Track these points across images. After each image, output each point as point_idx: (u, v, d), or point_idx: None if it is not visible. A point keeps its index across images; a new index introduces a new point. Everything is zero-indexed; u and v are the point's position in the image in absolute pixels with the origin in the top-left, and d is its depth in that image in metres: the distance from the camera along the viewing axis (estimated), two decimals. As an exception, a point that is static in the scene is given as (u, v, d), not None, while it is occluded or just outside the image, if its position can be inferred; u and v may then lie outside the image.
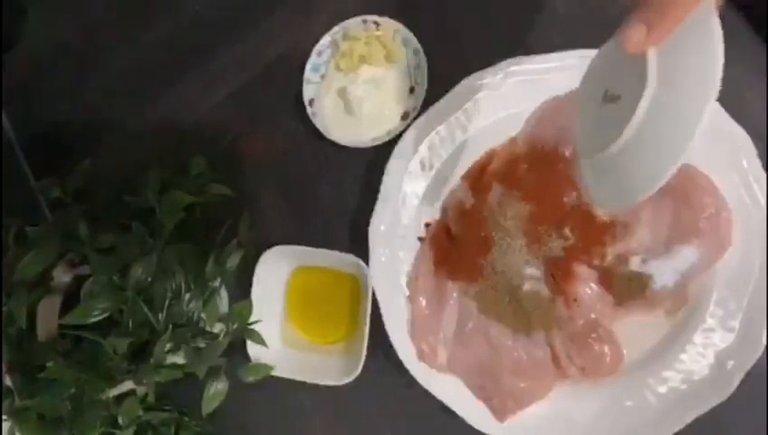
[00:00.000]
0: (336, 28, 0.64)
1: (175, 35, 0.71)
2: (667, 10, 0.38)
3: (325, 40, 0.64)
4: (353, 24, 0.64)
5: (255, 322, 0.60)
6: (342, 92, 0.65)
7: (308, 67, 0.64)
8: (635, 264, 0.54)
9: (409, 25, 0.63)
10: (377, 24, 0.64)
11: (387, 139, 0.62)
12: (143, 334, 0.54)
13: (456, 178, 0.60)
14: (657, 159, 0.38)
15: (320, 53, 0.65)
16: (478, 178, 0.59)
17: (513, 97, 0.58)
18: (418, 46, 0.62)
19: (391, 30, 0.64)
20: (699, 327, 0.53)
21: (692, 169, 0.53)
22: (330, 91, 0.65)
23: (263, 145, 0.67)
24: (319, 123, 0.64)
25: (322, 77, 0.65)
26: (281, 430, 0.64)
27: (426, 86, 0.61)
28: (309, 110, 0.64)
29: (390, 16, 0.63)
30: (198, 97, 0.69)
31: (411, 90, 0.63)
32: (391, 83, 0.64)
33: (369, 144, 0.62)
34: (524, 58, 0.58)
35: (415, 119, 0.61)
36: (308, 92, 0.65)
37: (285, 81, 0.65)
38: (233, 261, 0.59)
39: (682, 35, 0.38)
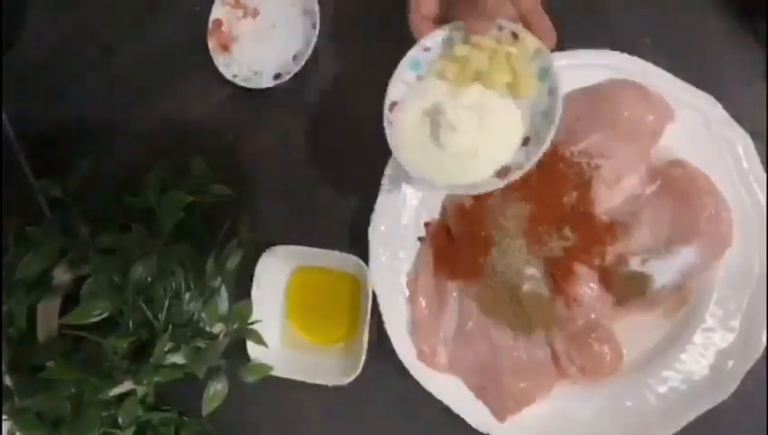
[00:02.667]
0: (459, 22, 0.49)
1: (175, 35, 0.71)
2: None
3: (439, 34, 0.50)
4: None
5: (255, 322, 0.60)
6: (435, 112, 0.49)
7: (406, 60, 0.50)
8: (635, 264, 0.54)
9: (407, 24, 0.63)
10: (515, 36, 0.48)
11: (465, 192, 0.49)
12: (143, 334, 0.54)
13: (456, 178, 0.60)
14: None
15: (427, 49, 0.50)
16: (478, 178, 0.59)
17: (513, 97, 0.58)
18: (558, 85, 0.46)
19: (530, 51, 0.47)
20: (699, 327, 0.53)
21: (692, 169, 0.53)
22: (420, 103, 0.50)
23: (263, 145, 0.67)
24: (391, 136, 0.50)
25: (419, 78, 0.51)
26: (281, 430, 0.64)
27: (547, 145, 0.45)
28: (387, 115, 0.50)
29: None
30: (198, 97, 0.69)
31: (525, 141, 0.47)
32: (502, 122, 0.48)
33: (441, 189, 0.50)
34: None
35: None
36: (394, 92, 0.51)
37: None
38: (233, 261, 0.59)
39: None
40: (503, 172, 0.47)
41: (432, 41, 0.50)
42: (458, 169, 0.48)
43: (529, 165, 0.46)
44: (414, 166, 0.49)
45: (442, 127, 0.48)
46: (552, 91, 0.46)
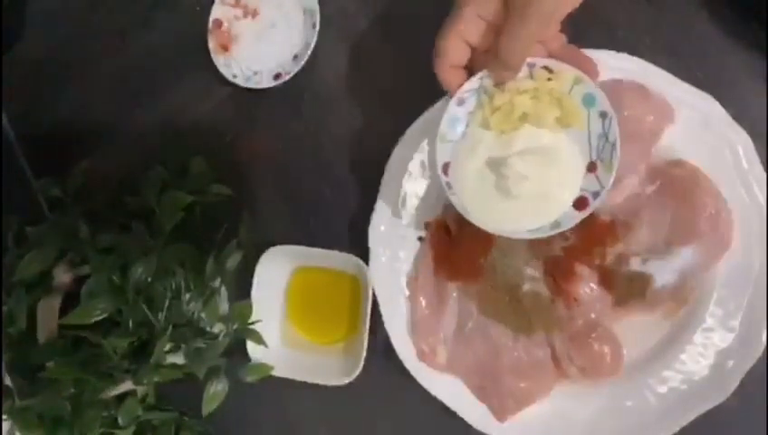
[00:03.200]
0: (483, 72, 0.48)
1: (175, 35, 0.71)
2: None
3: (471, 84, 0.48)
4: None
5: (255, 322, 0.60)
6: (496, 164, 0.48)
7: (445, 120, 0.49)
8: (635, 264, 0.54)
9: (409, 24, 0.63)
10: (549, 70, 0.47)
11: (551, 232, 0.48)
12: (143, 334, 0.54)
13: (456, 179, 0.60)
14: None
15: (461, 102, 0.49)
16: (478, 178, 0.59)
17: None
18: (607, 108, 0.46)
19: (569, 80, 0.47)
20: (699, 327, 0.53)
21: (692, 169, 0.53)
22: (474, 158, 0.49)
23: (263, 145, 0.67)
24: (455, 198, 0.49)
25: (463, 135, 0.50)
26: (281, 430, 0.64)
27: (615, 166, 0.46)
28: (443, 178, 0.49)
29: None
30: (198, 97, 0.69)
31: (591, 167, 0.47)
32: (563, 156, 0.48)
33: (526, 235, 0.48)
34: (524, 58, 0.57)
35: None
36: (443, 154, 0.49)
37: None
38: (233, 261, 0.59)
39: None
40: (580, 203, 0.47)
41: (465, 93, 0.49)
42: (535, 214, 0.48)
43: (606, 190, 0.46)
44: (488, 223, 0.49)
45: (510, 178, 0.47)
46: (603, 114, 0.46)
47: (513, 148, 0.48)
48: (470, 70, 0.49)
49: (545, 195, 0.48)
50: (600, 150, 0.47)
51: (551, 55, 0.48)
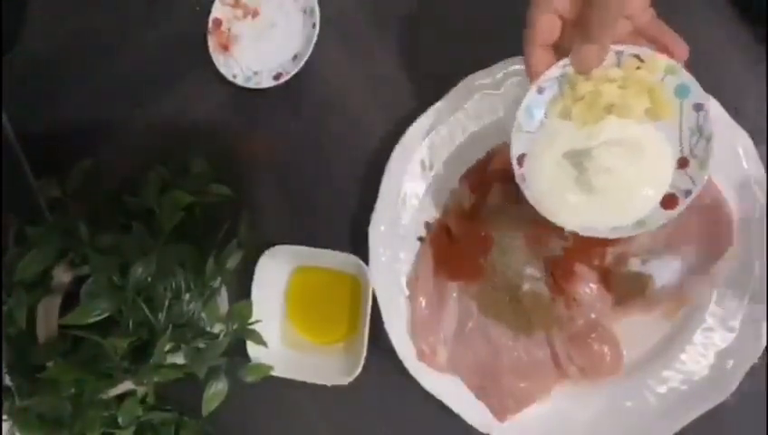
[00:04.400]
0: (566, 60, 0.45)
1: (175, 35, 0.71)
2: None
3: (552, 72, 0.45)
4: None
5: (255, 322, 0.60)
6: (577, 156, 0.45)
7: (522, 109, 0.46)
8: (635, 264, 0.54)
9: (409, 24, 0.63)
10: (639, 58, 0.44)
11: (634, 232, 0.45)
12: (143, 334, 0.54)
13: (455, 178, 0.60)
14: None
15: (541, 90, 0.46)
16: (478, 178, 0.59)
17: (513, 97, 0.58)
18: (703, 99, 0.43)
19: (661, 69, 0.44)
20: (699, 327, 0.53)
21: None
22: (552, 150, 0.46)
23: (263, 145, 0.67)
24: (529, 192, 0.46)
25: (541, 124, 0.47)
26: (281, 430, 0.64)
27: (708, 163, 0.43)
28: (517, 169, 0.46)
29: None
30: (198, 97, 0.69)
31: (682, 163, 0.44)
32: (651, 150, 0.44)
33: (607, 234, 0.45)
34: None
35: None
36: (518, 145, 0.46)
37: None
38: (233, 261, 0.59)
39: None
40: (668, 201, 0.44)
41: (546, 81, 0.45)
42: (618, 211, 0.45)
43: (698, 188, 0.43)
44: (565, 218, 0.45)
45: (591, 171, 0.44)
46: (698, 106, 0.43)
47: (595, 140, 0.44)
48: (556, 51, 0.46)
49: (630, 191, 0.44)
50: (692, 145, 0.44)
51: (638, 31, 0.45)
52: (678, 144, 0.44)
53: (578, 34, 0.44)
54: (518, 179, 0.46)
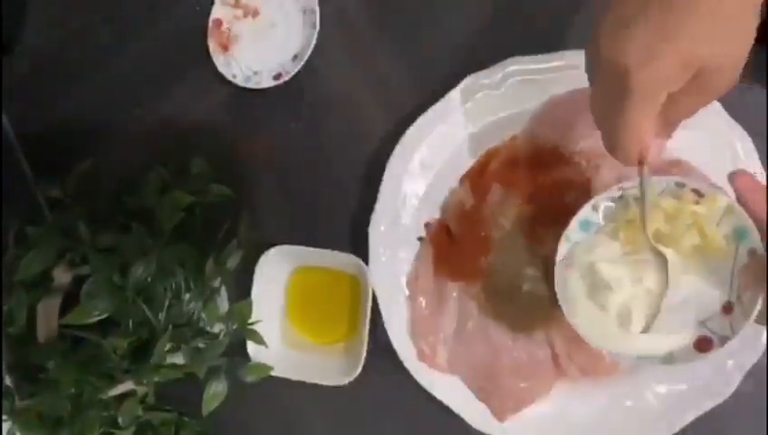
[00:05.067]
0: (630, 183, 0.44)
1: (175, 35, 0.71)
2: None
3: (612, 193, 0.45)
4: (660, 181, 0.43)
5: (255, 322, 0.60)
6: (590, 269, 0.45)
7: (574, 221, 0.46)
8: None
9: (409, 24, 0.63)
10: (698, 193, 0.43)
11: (661, 364, 0.43)
12: (143, 334, 0.54)
13: (455, 178, 0.60)
14: None
15: (596, 208, 0.45)
16: (478, 178, 0.59)
17: (513, 97, 0.58)
18: (759, 245, 0.40)
19: (720, 209, 0.42)
20: (699, 327, 0.53)
21: (692, 169, 0.53)
22: (581, 263, 0.45)
23: (263, 145, 0.67)
24: (561, 297, 0.46)
25: (588, 237, 0.46)
26: (281, 430, 0.64)
27: (752, 314, 0.40)
28: (558, 272, 0.46)
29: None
30: (198, 97, 0.69)
31: (727, 308, 0.42)
32: (692, 287, 0.43)
33: (633, 361, 0.44)
34: (524, 58, 0.58)
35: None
36: (562, 250, 0.46)
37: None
38: (233, 261, 0.59)
39: None
40: (703, 344, 0.42)
41: (602, 199, 0.45)
42: (644, 340, 0.43)
43: (735, 338, 0.41)
44: (591, 337, 0.45)
45: (599, 286, 0.44)
46: (753, 253, 0.41)
47: (614, 255, 0.44)
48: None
49: (658, 320, 0.43)
50: (740, 291, 0.42)
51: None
52: (728, 287, 0.42)
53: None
54: (557, 287, 0.46)
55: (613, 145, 0.41)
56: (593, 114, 0.43)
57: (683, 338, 0.43)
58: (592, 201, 0.45)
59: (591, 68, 0.41)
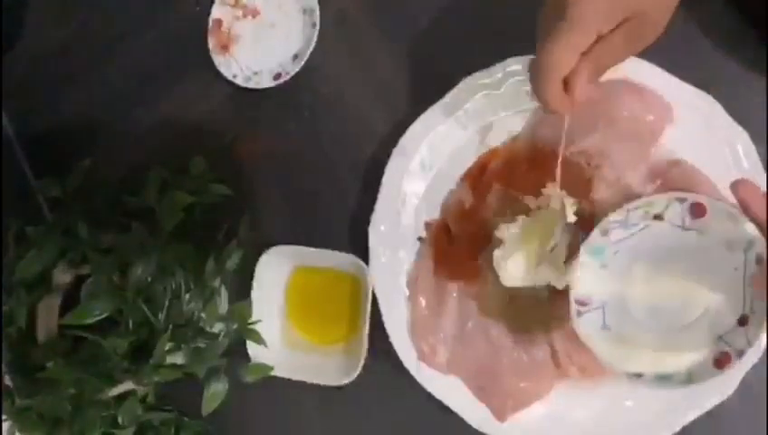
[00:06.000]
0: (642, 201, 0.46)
1: (175, 35, 0.71)
2: None
3: (617, 216, 0.47)
4: (661, 199, 0.45)
5: (255, 322, 0.60)
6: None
7: (584, 248, 0.48)
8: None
9: (409, 24, 0.63)
10: (701, 207, 0.45)
11: (681, 386, 0.45)
12: (143, 334, 0.54)
13: (455, 178, 0.60)
14: None
15: (605, 232, 0.48)
16: (478, 178, 0.59)
17: (513, 97, 0.58)
18: (764, 251, 0.42)
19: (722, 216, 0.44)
20: (699, 327, 0.53)
21: (692, 169, 0.53)
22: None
23: (263, 145, 0.67)
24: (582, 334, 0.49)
25: (602, 266, 0.49)
26: (281, 430, 0.64)
27: (765, 322, 0.41)
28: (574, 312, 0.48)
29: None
30: (198, 97, 0.69)
31: (743, 320, 0.43)
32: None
33: (652, 383, 0.46)
34: (524, 58, 0.58)
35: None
36: (580, 287, 0.49)
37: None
38: (233, 261, 0.59)
39: None
40: (721, 360, 0.44)
41: (610, 223, 0.47)
42: (654, 360, 0.46)
43: (749, 351, 0.42)
44: (612, 360, 0.47)
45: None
46: (760, 259, 0.42)
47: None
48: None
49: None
50: (753, 301, 0.42)
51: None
52: (742, 300, 0.43)
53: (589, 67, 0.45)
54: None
55: (538, 72, 0.45)
56: (536, 39, 0.46)
57: (701, 355, 0.44)
58: (599, 227, 0.47)
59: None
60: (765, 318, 0.41)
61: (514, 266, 0.51)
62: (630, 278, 0.49)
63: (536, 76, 0.46)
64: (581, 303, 0.49)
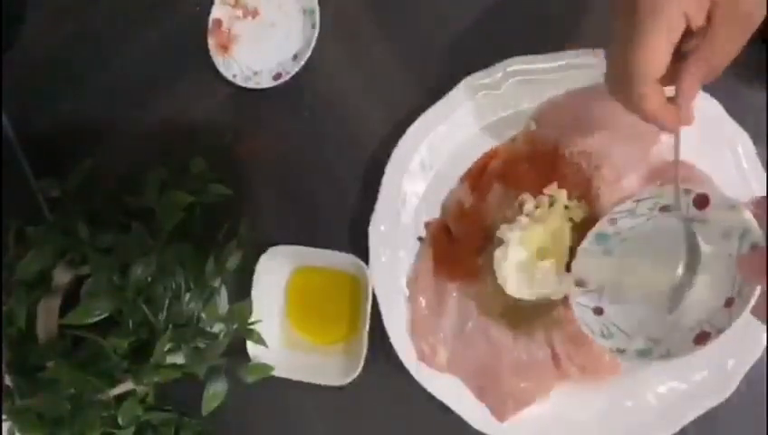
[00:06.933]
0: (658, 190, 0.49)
1: (175, 35, 0.71)
2: None
3: (625, 206, 0.49)
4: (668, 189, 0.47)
5: (255, 322, 0.60)
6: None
7: (591, 235, 0.50)
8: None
9: (409, 24, 0.63)
10: (705, 199, 0.46)
11: (659, 359, 0.46)
12: (143, 334, 0.54)
13: (455, 178, 0.60)
14: None
15: (613, 222, 0.50)
16: (478, 178, 0.59)
17: (513, 97, 0.58)
18: (760, 239, 0.42)
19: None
20: (699, 327, 0.53)
21: (692, 169, 0.53)
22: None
23: (263, 145, 0.67)
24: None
25: (605, 252, 0.51)
26: (281, 430, 0.64)
27: (751, 303, 0.41)
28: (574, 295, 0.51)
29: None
30: (198, 97, 0.69)
31: (728, 302, 0.43)
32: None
33: (633, 358, 0.47)
34: (524, 58, 0.58)
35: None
36: (580, 268, 0.51)
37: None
38: (233, 261, 0.59)
39: None
40: (701, 337, 0.44)
41: (617, 213, 0.49)
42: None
43: (729, 328, 0.42)
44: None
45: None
46: (755, 247, 0.42)
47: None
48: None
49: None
50: (742, 285, 0.42)
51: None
52: (731, 283, 0.43)
53: (701, 67, 0.40)
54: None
55: (627, 77, 0.39)
56: (611, 44, 0.41)
57: (683, 333, 0.45)
58: (608, 216, 0.50)
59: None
60: (750, 299, 0.41)
61: (514, 280, 0.54)
62: (631, 264, 0.50)
63: (625, 83, 0.40)
64: (580, 284, 0.52)
